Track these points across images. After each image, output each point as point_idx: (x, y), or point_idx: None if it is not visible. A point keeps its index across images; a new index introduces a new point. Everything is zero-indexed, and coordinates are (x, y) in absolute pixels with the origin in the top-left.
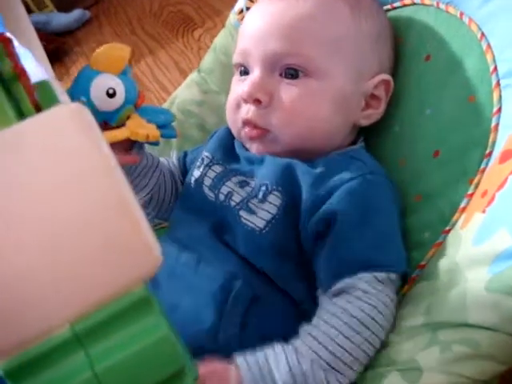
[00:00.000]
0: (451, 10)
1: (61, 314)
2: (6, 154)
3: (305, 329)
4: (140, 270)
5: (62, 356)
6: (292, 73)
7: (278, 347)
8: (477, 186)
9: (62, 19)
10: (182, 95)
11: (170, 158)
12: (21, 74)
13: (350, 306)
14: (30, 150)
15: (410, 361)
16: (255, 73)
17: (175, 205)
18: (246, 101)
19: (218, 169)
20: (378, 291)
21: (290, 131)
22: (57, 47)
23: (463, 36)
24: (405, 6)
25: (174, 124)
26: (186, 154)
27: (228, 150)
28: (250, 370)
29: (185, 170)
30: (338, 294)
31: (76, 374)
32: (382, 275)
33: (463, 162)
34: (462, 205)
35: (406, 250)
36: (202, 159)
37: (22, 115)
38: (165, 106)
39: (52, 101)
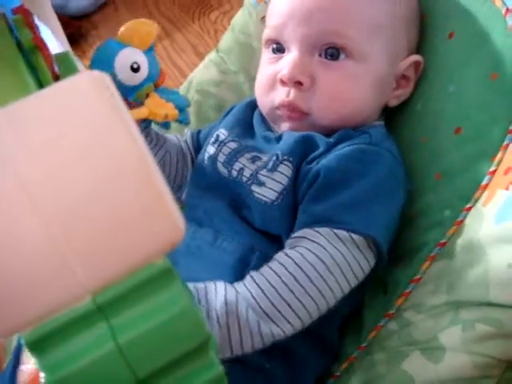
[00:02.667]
0: None
1: (83, 284)
2: (26, 121)
3: (251, 273)
4: (163, 240)
5: (84, 327)
6: (333, 53)
7: (221, 283)
8: (499, 163)
9: (78, 3)
10: (200, 76)
11: (182, 135)
12: (40, 45)
13: (298, 256)
14: (50, 117)
15: (433, 340)
16: (293, 52)
17: (189, 181)
18: (285, 83)
19: (232, 145)
20: (332, 247)
21: (331, 115)
22: (73, 31)
23: (487, 12)
24: None
25: (188, 109)
26: (199, 131)
27: (245, 126)
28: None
29: (198, 147)
30: (292, 244)
31: (99, 345)
32: (342, 233)
33: (485, 139)
34: (484, 182)
35: (426, 229)
36: (217, 135)
37: (41, 86)
38: (182, 87)
39: (72, 72)
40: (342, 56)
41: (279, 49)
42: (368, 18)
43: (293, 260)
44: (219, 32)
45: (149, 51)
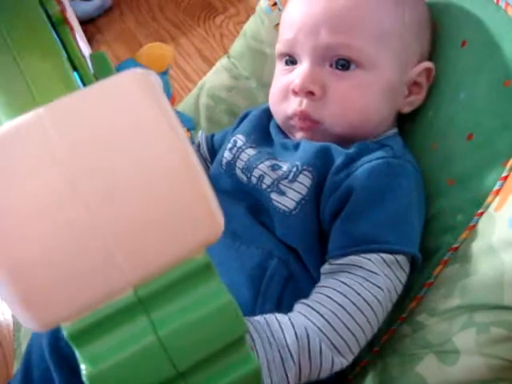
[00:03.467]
0: None
1: (125, 277)
2: (72, 119)
3: (305, 302)
4: (203, 236)
5: (125, 320)
6: (343, 63)
7: (282, 315)
8: (511, 169)
9: (83, 7)
10: (212, 81)
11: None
12: (66, 19)
13: (356, 284)
14: (96, 115)
15: (447, 343)
16: (304, 64)
17: None
18: (297, 93)
19: (251, 152)
20: (384, 274)
21: (343, 124)
22: None
23: (500, 20)
24: None
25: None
26: (213, 135)
27: (262, 133)
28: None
29: (213, 151)
30: (342, 270)
31: (140, 337)
32: (389, 257)
33: (497, 145)
34: (496, 187)
35: (438, 234)
36: (235, 141)
37: (70, 60)
38: (193, 92)
39: (108, 71)
40: (353, 66)
41: (292, 61)
42: (375, 28)
43: (353, 289)
44: (224, 36)
45: (163, 74)
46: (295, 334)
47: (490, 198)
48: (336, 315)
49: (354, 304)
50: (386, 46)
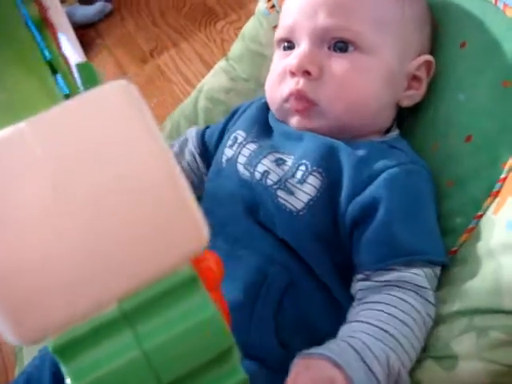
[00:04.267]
0: None
1: (109, 291)
2: (55, 132)
3: (370, 321)
4: (188, 248)
5: (110, 334)
6: (341, 46)
7: (357, 341)
8: (510, 170)
9: (83, 11)
10: (210, 83)
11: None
12: (46, 18)
13: (413, 302)
14: (79, 127)
15: (445, 347)
16: (303, 45)
17: (205, 187)
18: (294, 74)
19: (252, 146)
20: (428, 289)
21: (339, 105)
22: (78, 40)
23: (499, 21)
24: None
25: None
26: (205, 130)
27: (262, 126)
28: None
29: (203, 146)
30: (391, 285)
31: (124, 351)
32: (429, 271)
33: (496, 147)
34: (495, 189)
35: None
36: (235, 138)
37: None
38: (192, 95)
39: (94, 81)
40: (351, 49)
41: (290, 46)
42: (374, 13)
43: (413, 307)
44: (225, 41)
45: None
46: (381, 368)
47: (489, 200)
48: (406, 337)
49: (417, 323)
50: (385, 32)
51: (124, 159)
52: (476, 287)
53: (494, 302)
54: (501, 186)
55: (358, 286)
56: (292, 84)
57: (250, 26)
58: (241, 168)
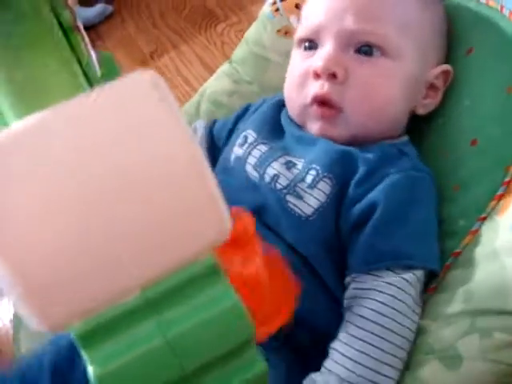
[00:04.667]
0: (492, 3)
1: (133, 279)
2: (82, 121)
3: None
4: (212, 237)
5: (133, 322)
6: (366, 50)
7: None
8: None
9: (84, 13)
10: (213, 86)
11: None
12: (77, 26)
13: (389, 309)
14: (106, 116)
15: (450, 348)
16: (328, 47)
17: None
18: (318, 76)
19: (263, 148)
20: (414, 294)
21: (364, 110)
22: None
23: (505, 29)
24: None
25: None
26: (213, 124)
27: (274, 127)
28: None
29: (211, 140)
30: (367, 297)
31: (148, 339)
32: (414, 275)
33: (500, 150)
34: (499, 192)
35: (440, 239)
36: (246, 137)
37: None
38: (194, 99)
39: (115, 73)
40: (377, 53)
41: (311, 46)
42: (400, 18)
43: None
44: (226, 44)
45: None
46: None
47: (493, 203)
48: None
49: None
50: (409, 37)
51: (150, 146)
52: (480, 288)
53: (498, 304)
54: (505, 189)
55: (346, 294)
56: (316, 87)
57: (253, 30)
58: (249, 168)
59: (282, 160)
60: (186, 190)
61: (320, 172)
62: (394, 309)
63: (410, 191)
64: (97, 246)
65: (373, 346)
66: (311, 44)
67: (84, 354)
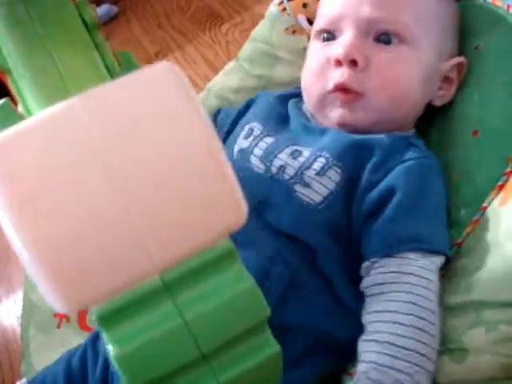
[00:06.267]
0: (498, 2)
1: (153, 263)
2: (104, 108)
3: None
4: (229, 222)
5: (152, 303)
6: (385, 38)
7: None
8: None
9: None
10: (219, 83)
11: None
12: (101, 25)
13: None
14: (127, 104)
15: (456, 340)
16: (348, 34)
17: None
18: (339, 63)
19: (269, 140)
20: (429, 280)
21: (384, 96)
22: None
23: (511, 27)
24: None
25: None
26: (217, 113)
27: (280, 118)
28: None
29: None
30: (390, 282)
31: (165, 320)
32: (433, 261)
33: (502, 141)
34: (500, 182)
35: None
36: (251, 129)
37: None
38: (201, 94)
39: (134, 68)
40: (395, 41)
41: (330, 37)
42: (419, 8)
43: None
44: (230, 44)
45: None
46: None
47: (494, 193)
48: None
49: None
50: (426, 28)
51: (170, 135)
52: (484, 280)
53: (503, 296)
54: (506, 180)
55: (367, 280)
56: (337, 75)
57: (260, 29)
58: (255, 160)
59: (288, 150)
60: (203, 176)
61: (330, 160)
62: (427, 288)
63: (424, 178)
64: (121, 230)
65: (417, 328)
66: (330, 35)
67: (104, 335)
